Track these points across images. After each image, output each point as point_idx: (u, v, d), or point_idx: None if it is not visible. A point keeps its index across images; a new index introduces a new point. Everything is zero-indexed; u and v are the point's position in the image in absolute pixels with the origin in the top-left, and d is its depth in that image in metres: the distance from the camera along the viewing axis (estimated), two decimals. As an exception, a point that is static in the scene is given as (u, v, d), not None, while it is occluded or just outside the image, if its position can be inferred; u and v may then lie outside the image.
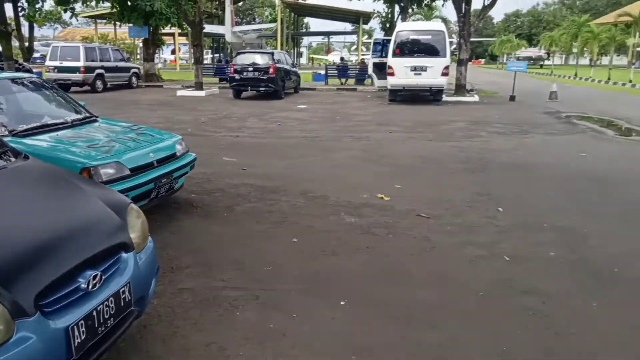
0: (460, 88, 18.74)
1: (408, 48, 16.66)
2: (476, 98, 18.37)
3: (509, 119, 12.95)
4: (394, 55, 16.57)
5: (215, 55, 56.28)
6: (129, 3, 25.01)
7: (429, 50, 16.41)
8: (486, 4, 18.55)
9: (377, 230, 4.70)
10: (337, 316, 3.17)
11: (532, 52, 67.02)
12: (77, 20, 35.98)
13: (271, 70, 18.03)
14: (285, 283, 3.62)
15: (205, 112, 14.30)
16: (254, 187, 6.17)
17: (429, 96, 17.24)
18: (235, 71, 18.49)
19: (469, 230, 4.71)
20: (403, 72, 16.27)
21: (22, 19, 25.51)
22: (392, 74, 16.55)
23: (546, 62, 64.85)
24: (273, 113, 14.24)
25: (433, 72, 16.11)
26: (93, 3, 26.60)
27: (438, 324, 3.08)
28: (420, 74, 16.19)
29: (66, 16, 29.18)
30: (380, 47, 21.34)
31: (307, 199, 5.71)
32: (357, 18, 42.21)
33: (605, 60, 43.96)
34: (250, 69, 18.25)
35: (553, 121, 12.75)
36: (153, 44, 27.70)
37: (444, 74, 16.20)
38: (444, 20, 43.91)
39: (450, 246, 4.34)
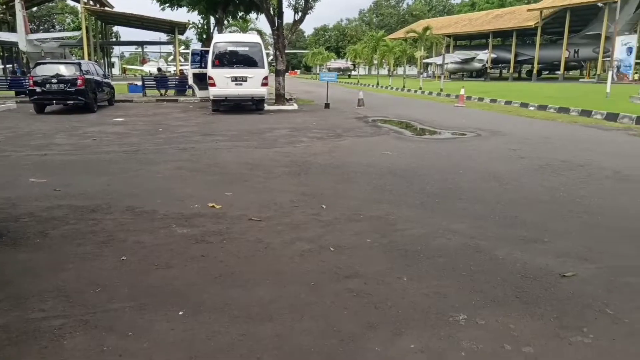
0: (280, 97, 19.53)
1: (227, 59, 16.83)
2: (295, 106, 19.32)
3: (325, 124, 13.92)
4: (214, 66, 16.59)
5: (8, 65, 49.96)
6: None
7: (248, 61, 16.79)
8: (296, 18, 19.70)
9: (211, 238, 4.70)
10: (176, 327, 3.11)
11: (341, 63, 72.52)
12: None
13: (79, 81, 16.67)
14: (116, 303, 3.43)
15: (1, 130, 12.66)
16: (72, 208, 5.68)
17: (252, 105, 17.64)
18: (36, 83, 16.66)
19: (297, 228, 4.97)
20: (224, 82, 16.37)
21: None
22: (213, 85, 16.55)
23: (353, 73, 70.64)
24: (86, 128, 13.19)
25: (253, 83, 16.51)
26: None
27: (275, 317, 3.21)
28: (241, 84, 16.47)
29: None
30: (199, 58, 21.16)
31: (134, 215, 5.45)
32: (172, 28, 41.03)
33: (400, 70, 49.50)
34: (54, 80, 16.65)
35: (362, 125, 14.05)
36: None
37: (264, 84, 16.72)
38: (260, 33, 45.15)
39: (282, 244, 4.54)
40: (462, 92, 21.64)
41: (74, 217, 5.37)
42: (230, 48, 17.13)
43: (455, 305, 3.37)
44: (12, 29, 38.03)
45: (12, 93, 23.63)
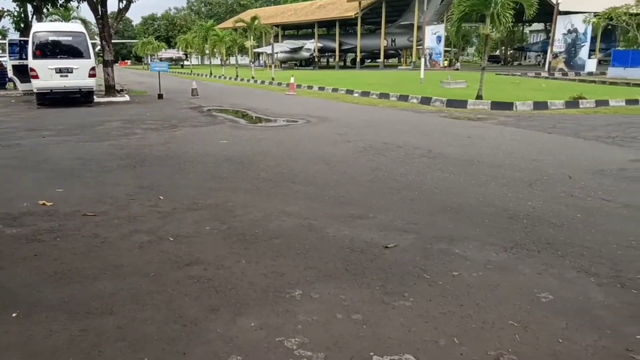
0: (110, 89, 18.03)
1: (49, 50, 15.00)
2: (127, 98, 18.05)
3: (160, 115, 13.30)
4: (35, 57, 14.67)
5: None
6: None
7: (72, 51, 15.17)
8: (121, 7, 18.25)
9: (44, 236, 4.31)
10: (10, 329, 2.85)
11: (173, 53, 68.84)
12: None
13: None
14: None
15: None
16: None
17: (80, 98, 15.98)
18: None
19: (135, 220, 4.79)
20: (48, 74, 14.58)
21: None
22: (36, 77, 14.64)
23: (186, 63, 67.58)
24: None
25: (79, 74, 14.99)
26: None
27: (116, 309, 3.09)
28: (66, 76, 14.83)
29: None
30: (19, 49, 18.47)
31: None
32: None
33: (233, 60, 48.68)
34: None
35: (197, 115, 13.71)
36: None
37: (92, 75, 15.30)
38: (84, 22, 40.63)
39: (119, 238, 4.35)
40: (292, 80, 21.59)
41: None
42: (52, 38, 15.28)
43: (292, 282, 3.43)
44: None
45: None
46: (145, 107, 15.59)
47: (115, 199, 5.47)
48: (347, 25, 58.28)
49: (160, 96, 18.01)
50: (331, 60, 64.98)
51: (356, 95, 19.67)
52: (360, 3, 50.10)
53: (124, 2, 18.11)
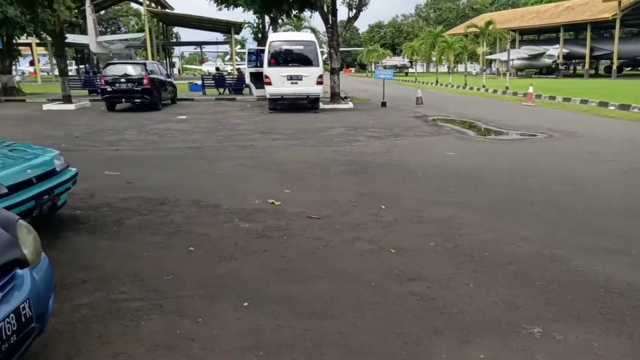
0: (335, 96, 19.63)
1: (282, 58, 17.10)
2: (351, 105, 19.37)
3: (382, 123, 13.89)
4: (270, 65, 16.91)
5: (81, 66, 52.76)
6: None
7: (303, 59, 16.99)
8: (351, 15, 19.70)
9: (272, 234, 4.87)
10: (242, 317, 3.27)
11: (397, 60, 71.57)
12: None
13: (145, 81, 17.45)
14: (187, 290, 3.64)
15: (78, 127, 13.46)
16: (143, 200, 6.02)
17: (307, 104, 17.86)
18: (107, 83, 17.60)
19: (357, 228, 5.04)
20: (280, 81, 16.67)
21: None
22: (269, 83, 16.88)
23: (410, 70, 69.53)
24: (152, 125, 13.81)
25: (308, 81, 16.70)
26: None
27: (337, 314, 3.29)
28: (296, 83, 16.70)
29: None
30: (255, 57, 21.64)
31: (200, 208, 5.71)
32: (228, 28, 42.09)
33: (461, 67, 48.17)
34: (123, 80, 17.51)
35: (421, 124, 13.90)
36: (9, 55, 25.35)
37: (319, 83, 16.89)
38: (314, 31, 45.37)
39: (341, 243, 4.64)
40: (530, 89, 20.35)
41: (146, 208, 5.70)
42: (285, 47, 17.39)
43: (529, 317, 3.23)
44: (83, 31, 40.03)
45: (86, 92, 25.01)
46: (369, 114, 16.50)
47: (338, 204, 5.87)
48: (600, 28, 52.90)
49: (383, 104, 18.86)
50: (578, 67, 58.98)
51: (612, 108, 17.51)
52: (620, 3, 44.32)
53: (354, 11, 19.57)
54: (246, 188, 6.68)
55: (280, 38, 18.54)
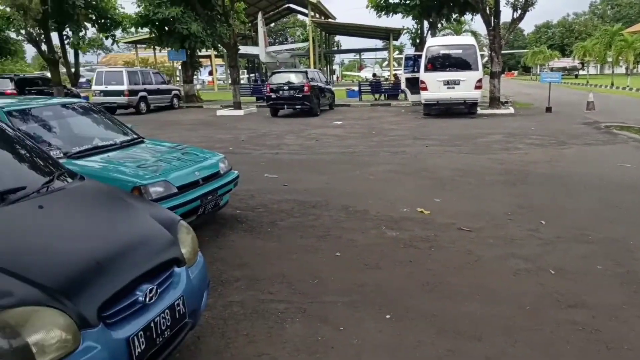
0: (494, 100, 18.49)
1: (439, 63, 16.59)
2: (511, 110, 18.09)
3: (547, 130, 12.69)
4: (426, 70, 16.53)
5: (251, 75, 57.32)
6: (166, 28, 25.77)
7: (461, 64, 16.29)
8: (515, 17, 18.29)
9: (419, 244, 4.68)
10: (384, 329, 3.17)
11: (566, 62, 65.45)
12: (119, 46, 37.31)
13: (306, 88, 18.24)
14: (331, 296, 3.64)
15: (245, 131, 14.57)
16: (296, 203, 6.24)
17: (463, 109, 17.11)
18: (272, 90, 18.79)
19: (512, 243, 4.63)
20: (436, 86, 16.19)
21: (67, 46, 26.70)
22: (425, 89, 16.50)
23: (581, 72, 63.26)
24: (310, 130, 14.38)
25: (466, 86, 15.96)
26: (133, 29, 27.67)
27: (485, 337, 3.04)
28: (453, 88, 16.07)
29: (108, 42, 30.38)
30: (412, 62, 21.36)
31: (348, 214, 5.74)
32: (387, 34, 42.31)
33: (641, 68, 42.60)
34: (286, 87, 18.52)
35: (592, 131, 12.41)
36: (191, 66, 28.46)
37: (477, 87, 16.04)
38: (474, 34, 43.53)
39: (494, 259, 4.28)
40: None
41: (298, 210, 5.89)
42: (443, 51, 16.85)
43: None
44: (255, 43, 43.45)
45: (254, 99, 27.08)
46: (531, 120, 15.24)
47: (492, 216, 5.46)
48: None
49: (548, 109, 17.30)
50: None
51: None
52: None
53: (519, 12, 18.17)
54: (395, 195, 6.56)
55: (438, 43, 18.03)
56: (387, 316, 3.33)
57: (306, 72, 19.37)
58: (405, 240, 4.82)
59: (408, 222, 5.35)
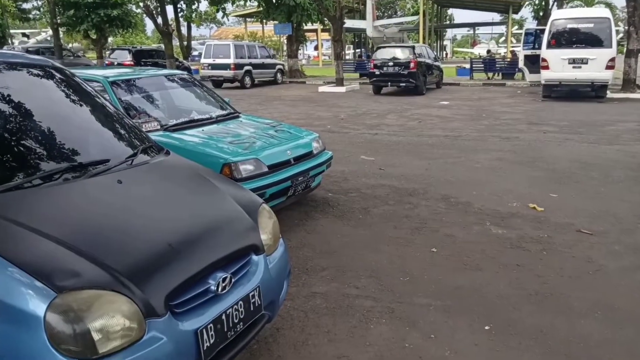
0: (628, 83, 16.59)
1: (565, 38, 15.07)
2: (649, 94, 16.19)
3: (693, 119, 11.18)
4: (549, 46, 15.11)
5: (357, 50, 56.98)
6: (274, 1, 26.16)
7: (591, 40, 14.68)
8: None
9: (529, 246, 4.25)
10: (481, 343, 2.87)
11: None
12: (228, 19, 38.78)
13: (412, 64, 17.62)
14: (422, 297, 3.39)
15: (345, 109, 14.42)
16: (392, 189, 5.99)
17: (590, 92, 15.53)
18: (375, 66, 18.39)
19: (643, 253, 4.05)
20: (559, 65, 14.80)
21: (181, 19, 28.13)
22: (546, 68, 15.14)
23: None
24: (413, 110, 13.90)
25: (596, 65, 14.40)
26: (242, 2, 28.48)
27: (605, 365, 2.64)
28: (580, 67, 14.59)
29: (219, 16, 31.49)
30: (533, 38, 19.67)
31: (449, 205, 5.38)
32: (506, 7, 39.83)
33: None
34: (391, 63, 18.00)
35: None
36: (297, 40, 28.75)
37: (609, 67, 14.38)
38: (609, 6, 39.52)
39: (619, 270, 3.76)
40: None
41: (393, 198, 5.64)
42: (570, 25, 15.24)
43: None
44: (362, 16, 42.92)
45: (357, 75, 26.83)
46: (672, 107, 13.53)
47: (618, 219, 4.83)
48: None
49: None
50: None
51: None
52: None
53: None
54: (504, 187, 6.06)
55: (565, 15, 16.33)
56: (486, 327, 3.02)
57: (413, 47, 18.66)
58: (513, 240, 4.40)
59: (517, 219, 4.90)
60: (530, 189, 5.94)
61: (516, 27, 56.54)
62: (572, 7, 29.18)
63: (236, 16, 46.91)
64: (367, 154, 7.99)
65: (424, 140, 9.22)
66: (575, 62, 14.66)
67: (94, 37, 29.06)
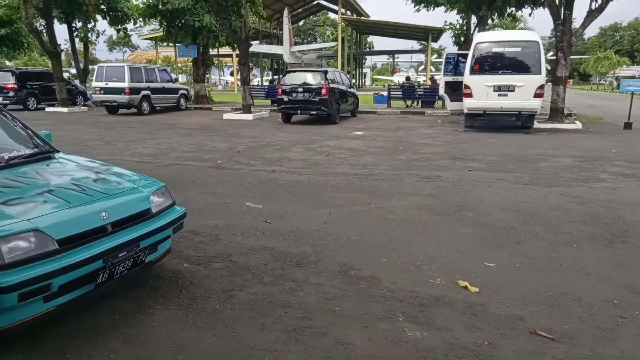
0: (556, 112, 16.22)
1: (490, 63, 14.39)
2: (578, 125, 15.84)
3: (633, 153, 10.54)
4: (472, 72, 14.36)
5: (275, 77, 56.35)
6: (177, 21, 24.63)
7: (518, 65, 14.01)
8: (594, 7, 15.69)
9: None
10: None
11: (636, 70, 61.97)
12: (131, 44, 36.86)
13: (323, 90, 16.43)
14: None
15: (246, 139, 12.90)
16: (274, 255, 4.49)
17: (516, 122, 14.95)
18: (284, 92, 17.04)
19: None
20: (484, 92, 14.07)
21: (77, 40, 26.05)
22: (469, 95, 14.37)
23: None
24: (323, 141, 12.57)
25: (523, 93, 13.73)
26: (141, 24, 26.76)
27: None
28: (506, 95, 13.88)
29: (134, 40, 29.98)
30: (454, 64, 19.25)
31: (347, 283, 3.91)
32: (425, 35, 40.60)
33: None
34: (300, 89, 16.72)
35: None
36: (203, 64, 27.28)
37: (538, 95, 13.74)
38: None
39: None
40: None
41: (273, 271, 4.13)
42: (495, 49, 14.51)
43: None
44: (281, 42, 42.06)
45: (269, 102, 25.51)
46: (607, 139, 12.97)
47: (587, 308, 3.48)
48: None
49: (628, 125, 15.04)
50: None
51: None
52: None
53: (599, 1, 15.48)
54: (424, 250, 4.68)
55: (490, 38, 15.42)
56: None
57: (325, 72, 17.46)
58: (437, 349, 2.96)
59: (443, 310, 3.48)
60: (459, 253, 4.60)
61: (435, 55, 58.20)
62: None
63: (147, 39, 44.52)
64: (254, 200, 6.45)
65: (328, 181, 7.78)
66: (501, 90, 14.00)
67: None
